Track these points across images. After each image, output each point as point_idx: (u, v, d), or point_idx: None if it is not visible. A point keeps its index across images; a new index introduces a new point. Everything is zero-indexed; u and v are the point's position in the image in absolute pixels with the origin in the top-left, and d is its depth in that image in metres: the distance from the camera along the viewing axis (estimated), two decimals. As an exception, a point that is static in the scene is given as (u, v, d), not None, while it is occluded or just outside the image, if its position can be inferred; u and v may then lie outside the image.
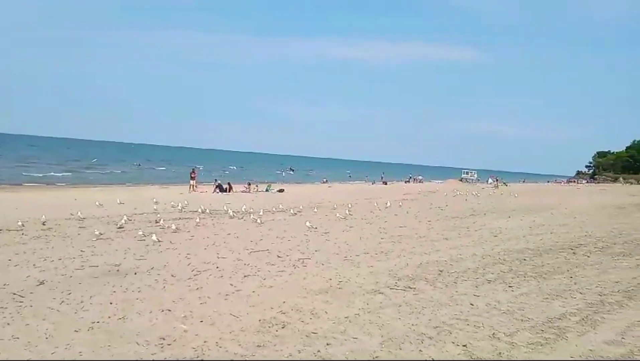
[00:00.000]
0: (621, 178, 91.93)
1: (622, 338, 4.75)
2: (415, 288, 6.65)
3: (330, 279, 7.06)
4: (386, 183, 47.18)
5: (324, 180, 49.12)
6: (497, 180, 53.81)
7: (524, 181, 73.32)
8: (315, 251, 9.38)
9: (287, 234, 11.56)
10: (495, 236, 12.13)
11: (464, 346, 4.45)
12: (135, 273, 7.13)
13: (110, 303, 5.57)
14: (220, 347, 4.37)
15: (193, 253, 8.82)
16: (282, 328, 4.89)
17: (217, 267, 7.70)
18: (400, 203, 21.62)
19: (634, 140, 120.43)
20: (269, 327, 4.90)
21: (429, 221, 15.25)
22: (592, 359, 3.90)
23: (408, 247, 10.21)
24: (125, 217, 12.37)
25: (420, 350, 4.33)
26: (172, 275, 7.11)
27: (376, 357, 4.17)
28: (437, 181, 58.48)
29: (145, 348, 4.27)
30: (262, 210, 15.98)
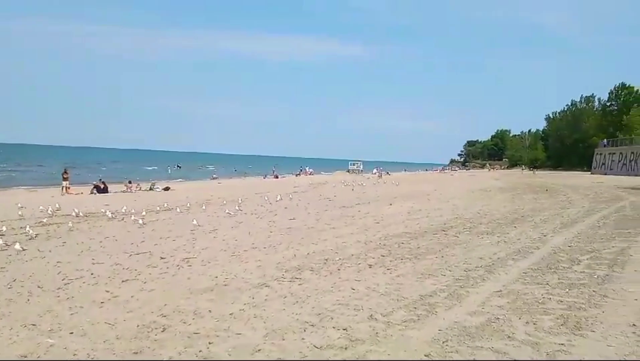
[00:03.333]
0: (488, 165, 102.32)
1: (482, 308, 5.27)
2: (301, 278, 6.77)
3: (217, 277, 6.92)
4: (277, 177, 47.44)
5: (214, 176, 48.04)
6: (380, 170, 56.68)
7: (405, 170, 78.26)
8: (202, 250, 9.14)
9: (172, 234, 11.12)
10: (378, 223, 12.79)
11: (344, 329, 4.63)
12: (-7, 288, 6.37)
13: (-40, 325, 4.92)
14: (91, 358, 4.07)
15: (64, 261, 8.11)
16: (162, 331, 4.69)
17: (92, 274, 7.16)
18: (291, 196, 21.88)
19: (498, 130, 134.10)
20: (148, 332, 4.67)
21: (317, 212, 15.62)
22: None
23: (296, 238, 10.36)
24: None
25: (302, 338, 4.42)
26: (39, 286, 6.48)
27: (259, 350, 4.18)
28: (326, 173, 60.11)
29: (1, 370, 3.83)
30: (144, 210, 15.15)
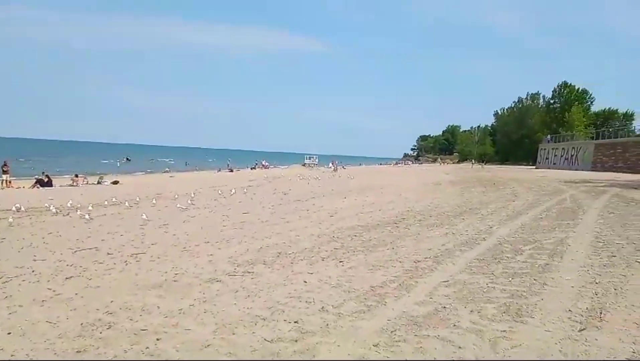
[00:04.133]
0: (439, 159, 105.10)
1: (430, 298, 5.42)
2: (253, 272, 6.73)
3: (166, 272, 6.77)
4: (232, 171, 46.87)
5: (166, 169, 46.91)
6: (336, 164, 57.08)
7: (361, 164, 79.14)
8: (152, 245, 8.91)
9: (120, 229, 10.77)
10: (332, 216, 12.88)
11: (295, 322, 4.64)
12: None
13: None
14: (30, 358, 3.90)
15: (3, 258, 7.70)
16: (108, 329, 4.54)
17: (33, 271, 6.84)
18: (245, 190, 21.68)
19: (449, 125, 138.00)
20: (93, 330, 4.51)
21: (272, 206, 15.55)
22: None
23: (250, 232, 10.28)
24: None
25: (253, 332, 4.40)
26: (-27, 286, 6.12)
27: (208, 345, 4.12)
28: (282, 166, 59.95)
29: None
30: (91, 204, 14.60)
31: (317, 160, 69.46)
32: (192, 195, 17.86)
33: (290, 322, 4.66)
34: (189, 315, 4.92)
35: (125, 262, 7.49)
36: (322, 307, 5.10)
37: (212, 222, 11.99)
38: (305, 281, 6.16)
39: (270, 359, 3.87)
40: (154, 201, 16.39)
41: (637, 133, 56.11)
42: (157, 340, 4.26)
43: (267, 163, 61.13)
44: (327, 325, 4.58)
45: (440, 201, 16.84)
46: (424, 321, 4.62)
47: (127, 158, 68.84)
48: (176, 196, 17.83)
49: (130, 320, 4.80)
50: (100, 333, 4.44)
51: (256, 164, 58.67)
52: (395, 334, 4.31)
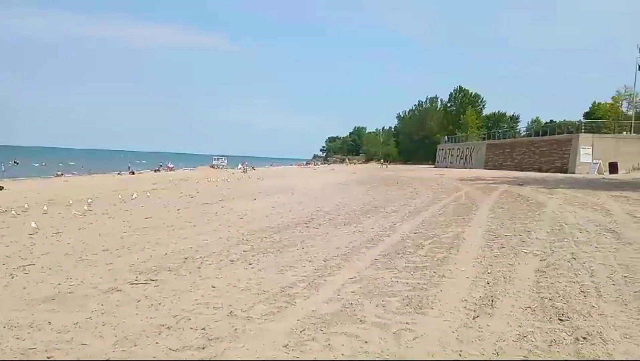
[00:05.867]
0: (347, 159, 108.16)
1: (338, 295, 5.54)
2: (157, 280, 6.43)
3: (59, 284, 6.25)
4: (134, 173, 44.56)
5: (58, 173, 43.42)
6: (246, 166, 56.50)
7: (271, 165, 79.10)
8: (42, 255, 8.18)
9: (5, 240, 9.79)
10: (242, 218, 12.71)
11: (202, 329, 4.51)
12: None
13: None
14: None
15: None
16: (-11, 351, 4.09)
17: None
18: (149, 194, 20.69)
19: (356, 127, 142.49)
20: (-30, 354, 4.04)
21: (178, 209, 15.00)
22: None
23: (153, 238, 9.82)
24: None
25: (157, 342, 4.20)
26: None
27: (107, 359, 3.87)
28: (189, 168, 58.09)
29: None
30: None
31: (225, 161, 68.26)
32: (89, 201, 16.68)
33: (197, 329, 4.51)
34: (85, 329, 4.58)
35: (11, 275, 6.81)
36: (231, 312, 5.00)
37: (111, 228, 11.29)
38: (213, 287, 6.01)
39: (176, 369, 3.72)
40: (45, 208, 15.06)
41: (522, 134, 61.92)
42: (48, 357, 3.92)
43: (172, 165, 58.85)
44: (236, 329, 4.50)
45: (348, 200, 17.29)
46: (332, 319, 4.71)
47: (15, 162, 62.71)
48: (70, 202, 16.55)
49: (17, 338, 4.36)
50: (-21, 356, 3.99)
51: (160, 166, 56.22)
52: (304, 333, 4.34)
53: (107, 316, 4.94)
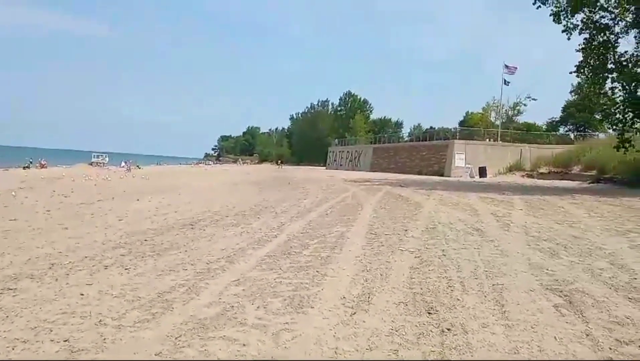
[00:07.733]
0: (240, 159, 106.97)
1: (219, 298, 5.41)
2: (16, 288, 5.78)
3: None
4: (-3, 171, 39.73)
5: None
6: (129, 164, 53.29)
7: (158, 164, 75.46)
8: None
9: None
10: (121, 220, 11.93)
11: (65, 341, 4.13)
12: None
13: None
14: None
15: None
16: None
17: None
18: (14, 193, 18.62)
19: (249, 127, 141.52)
20: None
21: (48, 210, 13.67)
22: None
23: (16, 242, 8.83)
24: None
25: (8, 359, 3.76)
26: None
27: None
28: (64, 166, 53.28)
29: None
30: None
31: (107, 158, 63.71)
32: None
33: (58, 342, 4.12)
34: None
35: None
36: (100, 320, 4.64)
37: (-36, 232, 9.93)
38: (82, 294, 5.54)
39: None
40: None
41: (405, 139, 66.04)
42: None
43: (45, 162, 53.47)
44: (104, 339, 4.18)
45: (238, 201, 17.07)
46: (210, 323, 4.58)
47: None
48: None
49: None
50: None
51: (31, 162, 50.74)
52: (179, 340, 4.17)
53: (-52, 334, 4.31)
